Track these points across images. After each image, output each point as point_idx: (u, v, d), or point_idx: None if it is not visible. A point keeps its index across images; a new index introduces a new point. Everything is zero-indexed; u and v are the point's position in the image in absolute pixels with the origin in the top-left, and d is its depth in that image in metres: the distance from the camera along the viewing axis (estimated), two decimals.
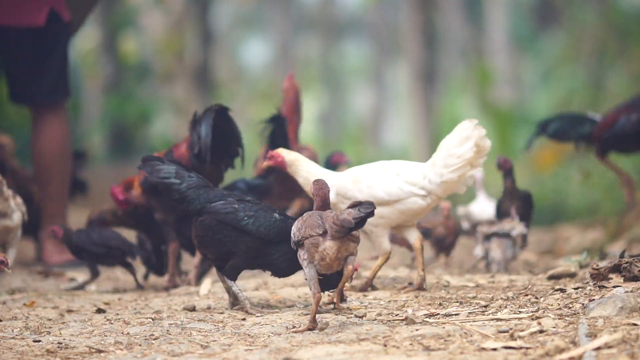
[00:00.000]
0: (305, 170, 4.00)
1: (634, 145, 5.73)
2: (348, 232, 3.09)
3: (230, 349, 2.97)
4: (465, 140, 3.94)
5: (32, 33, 5.43)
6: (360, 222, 3.07)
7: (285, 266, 3.61)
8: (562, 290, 3.64)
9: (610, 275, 3.69)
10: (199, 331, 3.29)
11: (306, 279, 3.19)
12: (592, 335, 2.85)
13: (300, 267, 3.64)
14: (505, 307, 3.46)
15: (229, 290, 3.70)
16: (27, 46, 5.45)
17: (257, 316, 3.54)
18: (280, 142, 4.76)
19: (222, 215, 3.58)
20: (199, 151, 4.33)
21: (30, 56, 5.48)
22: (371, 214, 3.06)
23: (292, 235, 3.22)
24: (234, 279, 3.66)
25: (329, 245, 3.11)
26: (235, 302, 3.71)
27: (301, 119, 5.30)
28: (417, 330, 3.09)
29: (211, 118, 4.35)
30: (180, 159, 4.25)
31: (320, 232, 3.10)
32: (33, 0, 5.38)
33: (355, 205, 3.09)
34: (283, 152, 4.05)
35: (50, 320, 3.59)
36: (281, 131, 4.91)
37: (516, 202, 4.77)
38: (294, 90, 5.29)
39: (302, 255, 3.18)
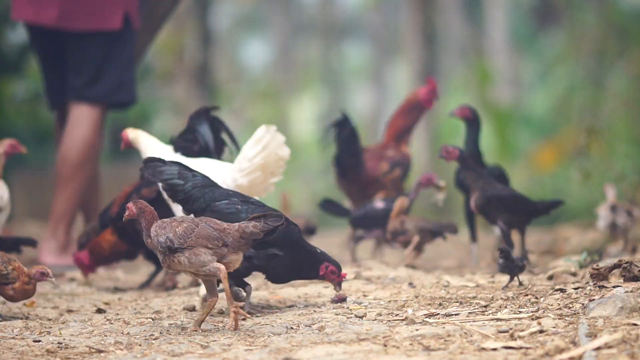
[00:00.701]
0: (143, 147, 4.29)
1: None
2: (252, 244, 3.21)
3: (230, 349, 2.97)
4: (256, 144, 4.03)
5: (104, 35, 5.52)
6: (268, 234, 3.18)
7: (282, 272, 3.62)
8: (562, 290, 3.64)
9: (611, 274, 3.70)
10: (199, 331, 3.28)
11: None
12: (592, 335, 2.85)
13: (300, 276, 3.66)
14: (505, 307, 3.47)
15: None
16: (98, 47, 5.54)
17: (257, 316, 3.54)
18: (347, 145, 4.87)
19: (224, 215, 3.57)
20: (200, 149, 4.38)
21: (99, 57, 5.56)
22: (281, 226, 3.17)
23: (165, 239, 3.18)
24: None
25: (235, 258, 3.21)
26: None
27: (407, 124, 5.38)
28: (417, 330, 3.09)
29: (205, 120, 4.43)
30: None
31: (221, 244, 3.17)
32: (110, 4, 5.48)
33: (260, 216, 3.19)
34: (127, 131, 4.31)
35: (50, 320, 3.59)
36: (345, 133, 5.05)
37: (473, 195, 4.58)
38: (416, 96, 5.41)
39: (182, 261, 3.18)
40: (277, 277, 3.66)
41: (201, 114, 4.47)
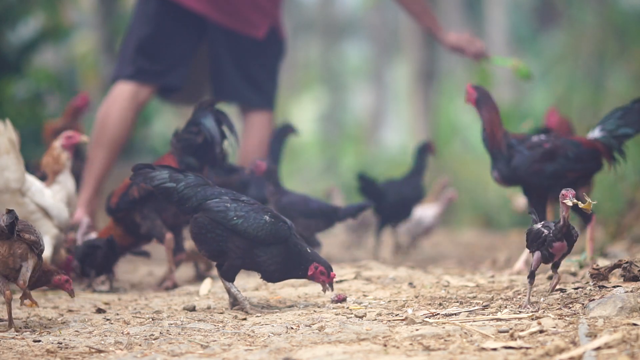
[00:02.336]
0: None
1: None
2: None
3: (230, 349, 2.97)
4: None
5: (252, 43, 5.79)
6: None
7: (274, 270, 3.63)
8: (562, 290, 3.64)
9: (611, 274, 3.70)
10: (199, 331, 3.29)
11: None
12: (592, 335, 2.85)
13: (291, 275, 3.66)
14: (505, 307, 3.47)
15: (228, 290, 3.71)
16: (247, 53, 5.82)
17: (257, 316, 3.54)
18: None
19: (213, 213, 3.62)
20: (204, 141, 4.40)
21: (247, 62, 5.83)
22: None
23: None
24: (231, 279, 3.68)
25: None
26: (235, 302, 3.71)
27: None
28: (417, 330, 3.09)
29: (210, 113, 4.45)
30: None
31: None
32: (259, 15, 5.75)
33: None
34: None
35: (50, 320, 3.59)
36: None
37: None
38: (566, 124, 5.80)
39: None
40: (270, 275, 3.67)
41: (205, 107, 4.47)
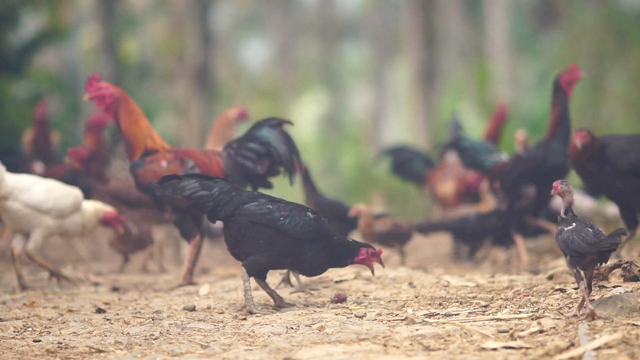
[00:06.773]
0: None
1: None
2: None
3: (230, 349, 2.97)
4: None
5: None
6: None
7: (318, 264, 3.65)
8: (562, 290, 3.64)
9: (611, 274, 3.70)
10: (199, 331, 3.29)
11: None
12: (592, 335, 2.85)
13: (335, 266, 3.70)
14: (505, 307, 3.47)
15: (264, 288, 3.71)
16: None
17: (257, 316, 3.54)
18: None
19: (257, 216, 3.58)
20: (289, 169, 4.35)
21: None
22: None
23: None
24: (264, 277, 3.68)
25: None
26: (281, 303, 3.72)
27: None
28: (417, 330, 3.09)
29: (279, 134, 4.36)
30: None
31: None
32: None
33: None
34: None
35: (50, 320, 3.59)
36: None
37: None
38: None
39: None
40: (313, 269, 3.68)
41: (273, 126, 4.38)
